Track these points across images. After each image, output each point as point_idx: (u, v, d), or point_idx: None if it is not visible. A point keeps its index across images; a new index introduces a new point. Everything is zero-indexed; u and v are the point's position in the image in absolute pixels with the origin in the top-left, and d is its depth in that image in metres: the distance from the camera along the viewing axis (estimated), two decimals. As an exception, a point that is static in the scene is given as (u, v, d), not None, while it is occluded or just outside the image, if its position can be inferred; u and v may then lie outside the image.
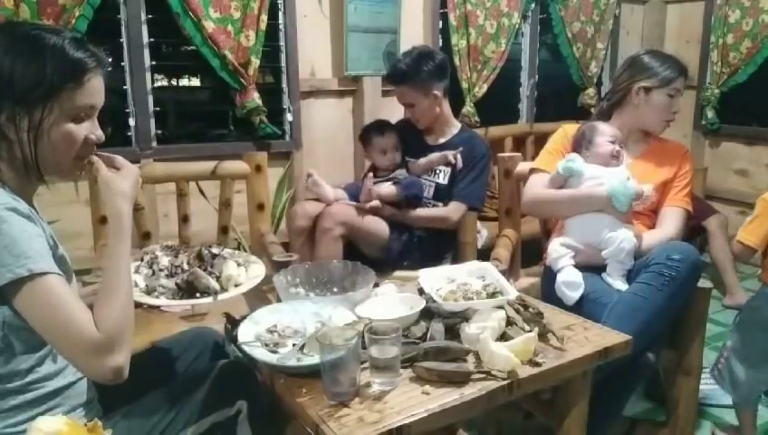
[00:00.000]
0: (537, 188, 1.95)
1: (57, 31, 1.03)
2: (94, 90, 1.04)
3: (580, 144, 1.91)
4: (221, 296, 1.25)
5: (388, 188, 2.23)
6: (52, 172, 1.06)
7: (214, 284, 1.25)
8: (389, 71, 2.39)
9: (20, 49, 0.99)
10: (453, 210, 2.30)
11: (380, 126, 2.39)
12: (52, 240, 1.06)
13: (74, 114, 1.03)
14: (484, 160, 2.35)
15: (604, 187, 1.78)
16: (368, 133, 2.38)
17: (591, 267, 1.79)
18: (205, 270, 1.28)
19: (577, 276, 1.73)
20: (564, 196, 1.86)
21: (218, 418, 1.15)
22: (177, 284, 1.25)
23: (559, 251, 1.82)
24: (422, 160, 2.33)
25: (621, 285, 1.73)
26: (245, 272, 1.34)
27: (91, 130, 1.06)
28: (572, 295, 1.70)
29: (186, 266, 1.28)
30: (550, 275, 1.83)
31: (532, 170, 2.03)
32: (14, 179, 1.04)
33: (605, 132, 1.86)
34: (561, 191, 1.87)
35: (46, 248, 0.99)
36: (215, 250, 1.35)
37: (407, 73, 2.29)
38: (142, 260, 1.32)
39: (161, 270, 1.28)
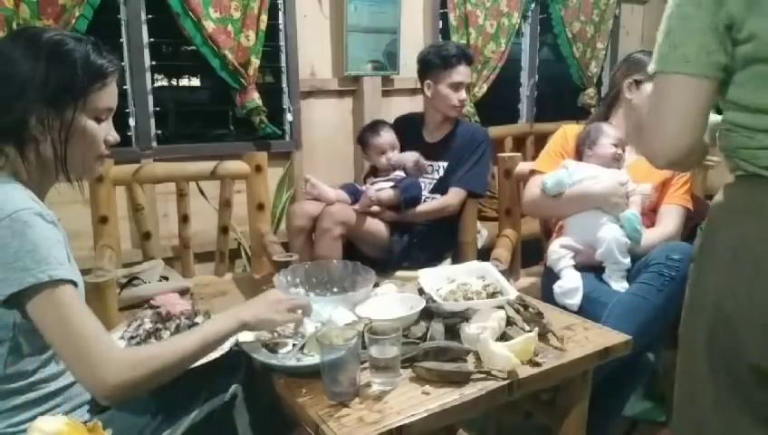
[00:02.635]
0: (536, 189, 1.96)
1: (79, 38, 1.08)
2: (113, 93, 1.11)
3: (584, 143, 1.93)
4: None
5: (386, 193, 2.22)
6: (77, 171, 1.12)
7: None
8: (455, 49, 2.35)
9: (49, 54, 1.04)
10: (451, 197, 2.31)
11: (376, 127, 2.38)
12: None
13: (97, 115, 1.09)
14: (484, 146, 2.35)
15: (599, 184, 1.80)
16: (364, 135, 2.38)
17: (592, 267, 1.80)
18: None
19: (574, 281, 1.73)
20: (561, 196, 1.87)
21: (214, 404, 1.16)
22: (147, 330, 1.27)
23: (558, 252, 1.83)
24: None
25: (621, 285, 1.73)
26: None
27: (107, 131, 1.13)
28: (573, 302, 1.70)
29: (165, 335, 1.29)
30: (550, 276, 1.83)
31: (532, 172, 2.04)
32: (33, 179, 1.07)
33: (609, 134, 1.89)
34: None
35: (65, 255, 1.02)
36: (198, 320, 1.35)
37: (470, 55, 2.38)
38: (129, 326, 1.33)
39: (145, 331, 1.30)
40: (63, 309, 0.97)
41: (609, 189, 1.79)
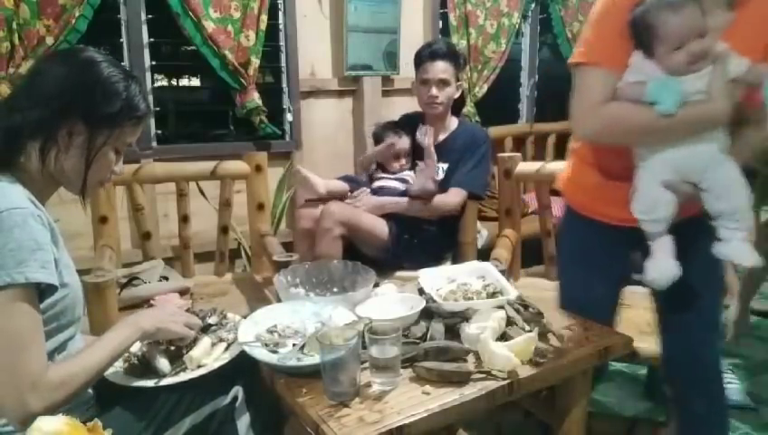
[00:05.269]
0: (600, 96, 1.25)
1: (130, 75, 1.15)
2: (139, 131, 1.18)
3: (639, 43, 1.22)
4: (165, 381, 1.17)
5: (377, 201, 2.27)
6: (89, 190, 1.15)
7: (163, 368, 1.19)
8: (428, 47, 2.35)
9: (104, 82, 1.09)
10: (452, 195, 2.30)
11: (398, 128, 2.41)
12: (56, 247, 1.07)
13: (119, 147, 1.15)
14: (485, 147, 2.35)
15: (720, 103, 1.18)
16: (385, 132, 2.41)
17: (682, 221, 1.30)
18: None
19: (670, 266, 1.28)
20: (676, 121, 1.19)
21: (216, 406, 1.17)
22: (135, 355, 1.23)
23: (658, 197, 1.26)
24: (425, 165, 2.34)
25: (749, 253, 1.24)
26: (220, 346, 1.27)
27: (117, 162, 1.17)
28: (665, 282, 1.29)
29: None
30: (575, 225, 1.50)
31: (578, 66, 1.29)
32: (37, 185, 1.09)
33: (667, 36, 1.17)
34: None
35: (50, 259, 1.02)
36: (212, 320, 1.32)
37: (451, 51, 2.34)
38: None
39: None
40: (15, 318, 0.96)
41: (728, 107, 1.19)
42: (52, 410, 0.96)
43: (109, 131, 1.10)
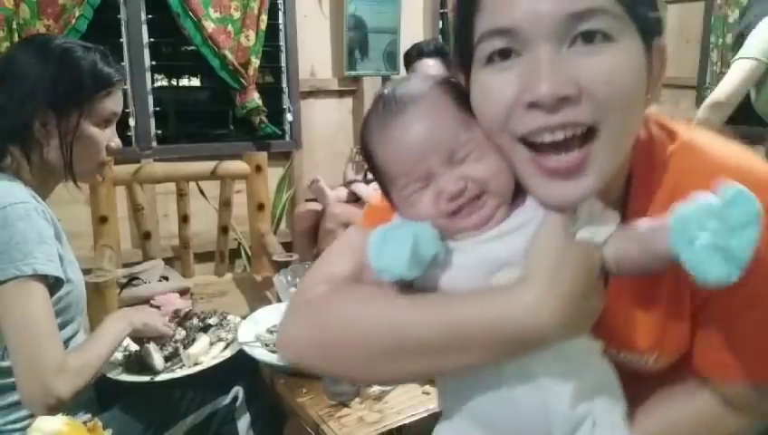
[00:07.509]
0: (327, 273, 0.67)
1: (87, 47, 1.11)
2: (118, 99, 1.15)
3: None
4: (161, 377, 1.19)
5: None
6: (80, 174, 1.13)
7: (158, 364, 1.20)
8: (415, 46, 2.38)
9: (58, 61, 1.06)
10: None
11: None
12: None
13: (101, 120, 1.12)
14: None
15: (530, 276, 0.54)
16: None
17: None
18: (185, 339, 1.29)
19: None
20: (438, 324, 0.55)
21: (216, 406, 1.18)
22: (133, 352, 1.24)
23: None
24: None
25: None
26: (218, 345, 1.29)
27: (110, 137, 1.15)
28: None
29: (178, 336, 1.29)
30: None
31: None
32: (34, 182, 1.09)
33: (386, 171, 0.62)
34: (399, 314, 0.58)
35: (55, 253, 1.02)
36: (212, 320, 1.35)
37: (438, 48, 2.36)
38: None
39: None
40: (31, 306, 0.97)
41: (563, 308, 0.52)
42: (75, 396, 0.97)
43: (77, 109, 1.07)
